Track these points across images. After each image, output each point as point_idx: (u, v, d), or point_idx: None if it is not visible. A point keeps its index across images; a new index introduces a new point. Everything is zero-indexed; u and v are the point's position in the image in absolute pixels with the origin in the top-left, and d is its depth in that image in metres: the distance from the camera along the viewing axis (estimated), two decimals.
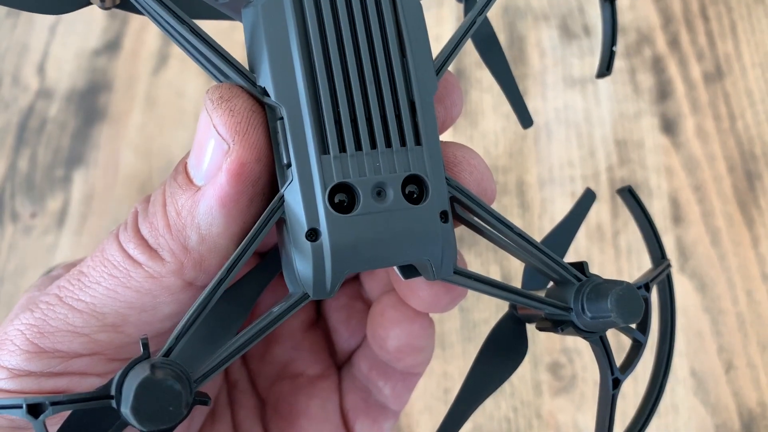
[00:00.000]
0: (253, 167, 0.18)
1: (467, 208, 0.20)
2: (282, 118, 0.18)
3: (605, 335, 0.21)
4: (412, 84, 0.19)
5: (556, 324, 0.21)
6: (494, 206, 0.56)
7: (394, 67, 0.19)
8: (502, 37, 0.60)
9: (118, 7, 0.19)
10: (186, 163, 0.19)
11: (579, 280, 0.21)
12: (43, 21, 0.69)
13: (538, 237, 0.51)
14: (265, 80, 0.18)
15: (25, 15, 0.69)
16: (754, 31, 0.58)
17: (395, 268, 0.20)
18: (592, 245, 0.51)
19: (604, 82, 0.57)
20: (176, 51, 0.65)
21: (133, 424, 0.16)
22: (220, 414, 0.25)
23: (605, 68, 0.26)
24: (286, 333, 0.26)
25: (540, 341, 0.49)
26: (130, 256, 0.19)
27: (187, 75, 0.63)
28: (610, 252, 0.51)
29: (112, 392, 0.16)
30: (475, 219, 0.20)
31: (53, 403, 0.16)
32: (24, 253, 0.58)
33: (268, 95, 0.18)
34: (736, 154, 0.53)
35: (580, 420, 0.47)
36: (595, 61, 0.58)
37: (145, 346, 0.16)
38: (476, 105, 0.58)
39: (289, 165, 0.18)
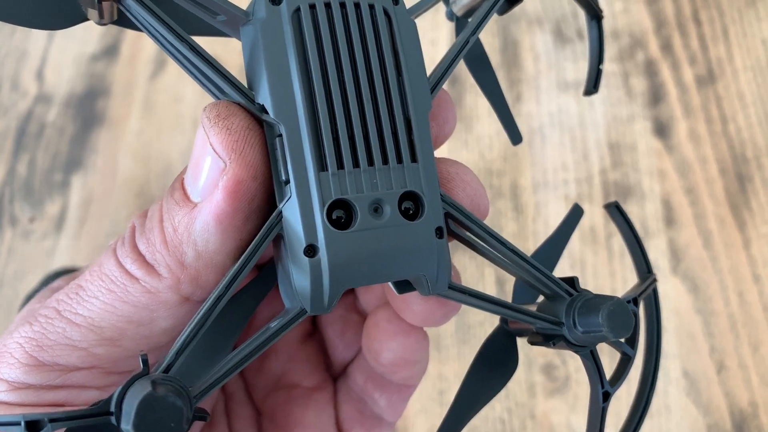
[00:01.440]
0: (250, 185, 0.18)
1: (461, 224, 0.20)
2: (281, 135, 0.18)
3: (595, 349, 0.22)
4: (408, 102, 0.19)
5: (547, 338, 0.21)
6: (489, 209, 0.56)
7: (390, 86, 0.19)
8: (496, 42, 0.61)
9: (115, 23, 0.19)
10: (183, 179, 0.19)
11: (570, 294, 0.21)
12: None
13: (531, 240, 0.52)
14: (264, 98, 0.18)
15: None
16: (746, 34, 0.58)
17: (390, 282, 0.21)
18: (586, 248, 0.52)
19: None
20: None
21: None
22: (217, 424, 0.25)
23: (592, 86, 0.26)
24: (281, 345, 0.26)
25: None
26: (127, 272, 0.19)
27: (185, 80, 0.64)
28: (603, 254, 0.51)
29: (112, 408, 0.16)
30: (469, 235, 0.21)
31: (52, 420, 0.15)
32: (23, 257, 0.59)
33: (266, 112, 0.18)
34: (728, 156, 0.54)
35: (574, 421, 0.47)
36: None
37: (145, 362, 0.16)
38: (471, 109, 0.58)
39: (287, 182, 0.18)
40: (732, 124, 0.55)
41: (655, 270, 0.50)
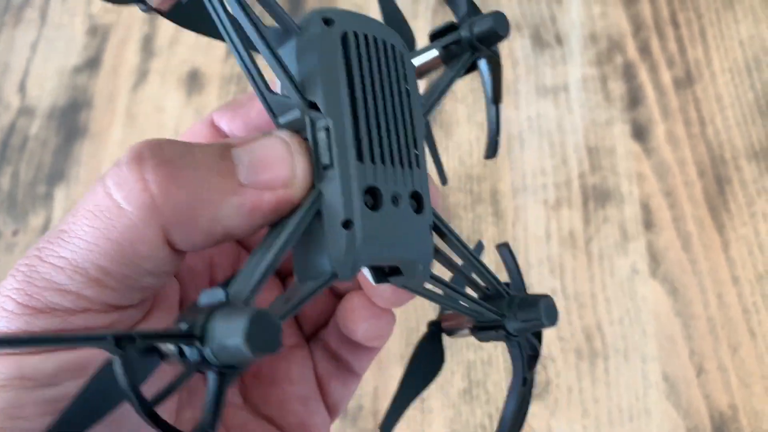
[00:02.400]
0: (295, 202, 0.21)
1: (435, 228, 0.24)
2: (328, 129, 0.21)
3: (523, 341, 0.26)
4: (415, 122, 0.23)
5: (488, 328, 0.26)
6: (469, 215, 0.56)
7: (404, 107, 0.23)
8: None
9: (169, 14, 0.21)
10: (233, 153, 0.21)
11: (507, 294, 0.26)
12: (24, 39, 0.69)
13: (511, 244, 0.52)
14: (316, 96, 0.21)
15: (6, 33, 0.70)
16: (724, 36, 0.59)
17: (367, 273, 0.24)
18: (565, 251, 0.52)
19: (576, 90, 0.58)
20: (155, 67, 0.65)
21: (230, 357, 0.16)
22: (196, 388, 0.26)
23: (492, 152, 0.29)
24: None
25: None
26: (115, 202, 0.19)
27: (167, 90, 0.64)
28: (583, 258, 0.52)
29: (197, 332, 0.17)
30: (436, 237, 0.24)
31: (142, 337, 0.16)
32: (6, 270, 0.59)
33: (316, 109, 0.21)
34: (707, 158, 0.54)
35: (554, 426, 0.47)
36: (567, 70, 0.59)
37: (227, 293, 0.18)
38: (450, 115, 0.59)
39: (327, 166, 0.21)
40: (710, 126, 0.55)
41: (634, 273, 0.50)
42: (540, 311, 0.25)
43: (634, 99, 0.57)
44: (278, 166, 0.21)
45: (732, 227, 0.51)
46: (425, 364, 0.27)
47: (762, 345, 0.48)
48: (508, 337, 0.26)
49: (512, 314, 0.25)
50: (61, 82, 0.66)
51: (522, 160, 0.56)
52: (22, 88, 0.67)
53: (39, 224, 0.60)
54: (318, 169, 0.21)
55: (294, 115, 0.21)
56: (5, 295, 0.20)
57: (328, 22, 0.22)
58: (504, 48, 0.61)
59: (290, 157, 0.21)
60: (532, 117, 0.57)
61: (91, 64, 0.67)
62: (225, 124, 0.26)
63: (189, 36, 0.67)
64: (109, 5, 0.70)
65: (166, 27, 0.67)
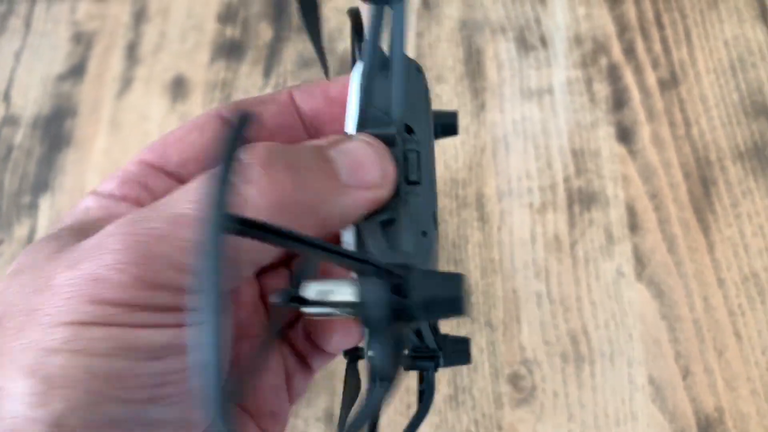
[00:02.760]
0: (385, 200, 0.23)
1: None
2: (418, 151, 0.24)
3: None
4: None
5: (421, 357, 0.29)
6: (455, 219, 0.56)
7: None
8: (459, 51, 0.61)
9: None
10: (330, 154, 0.23)
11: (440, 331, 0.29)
12: (8, 48, 0.69)
13: (496, 249, 0.52)
14: (414, 123, 0.25)
15: None
16: (708, 37, 0.58)
17: None
18: (550, 255, 0.52)
19: (561, 92, 0.58)
20: (140, 74, 0.65)
21: (434, 313, 0.19)
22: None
23: None
24: (245, 301, 0.29)
25: (500, 353, 0.49)
26: (245, 199, 0.20)
27: (151, 98, 0.64)
28: (568, 262, 0.51)
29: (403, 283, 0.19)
30: None
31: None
32: None
33: (411, 132, 0.25)
34: (692, 160, 0.54)
35: (540, 431, 0.47)
36: (552, 72, 0.59)
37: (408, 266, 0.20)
38: None
39: (415, 183, 0.24)
40: (695, 127, 0.55)
41: (620, 276, 0.50)
42: (470, 351, 0.29)
43: (619, 101, 0.57)
44: (371, 166, 0.23)
45: (717, 229, 0.51)
46: (349, 389, 0.29)
47: (748, 347, 0.47)
48: (435, 369, 0.29)
49: (448, 349, 0.28)
50: (45, 90, 0.66)
51: (507, 163, 0.55)
52: (6, 97, 0.66)
53: (24, 234, 0.60)
54: (403, 183, 0.24)
55: (386, 130, 0.24)
56: (114, 267, 0.20)
57: (419, 70, 0.26)
58: (489, 51, 0.60)
59: (379, 159, 0.23)
60: (516, 120, 0.57)
61: (76, 71, 0.67)
62: (305, 103, 0.28)
63: (173, 43, 0.66)
64: (93, 11, 0.69)
65: (150, 34, 0.67)
